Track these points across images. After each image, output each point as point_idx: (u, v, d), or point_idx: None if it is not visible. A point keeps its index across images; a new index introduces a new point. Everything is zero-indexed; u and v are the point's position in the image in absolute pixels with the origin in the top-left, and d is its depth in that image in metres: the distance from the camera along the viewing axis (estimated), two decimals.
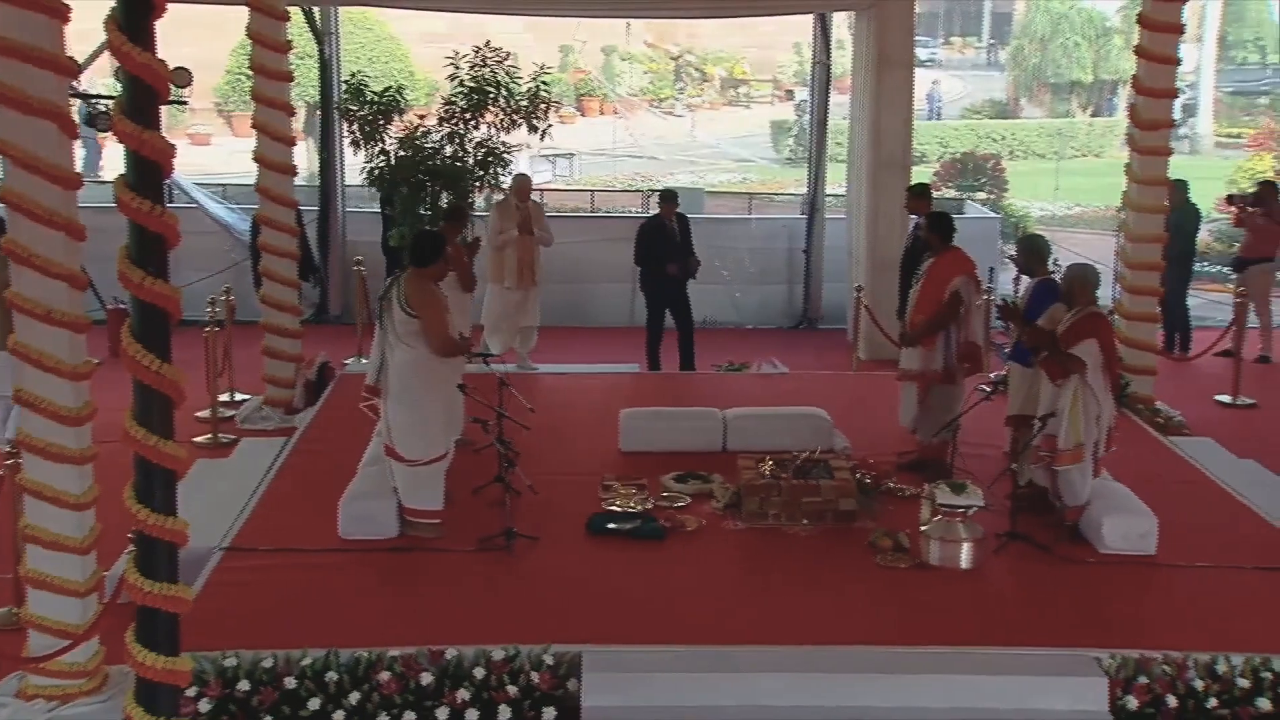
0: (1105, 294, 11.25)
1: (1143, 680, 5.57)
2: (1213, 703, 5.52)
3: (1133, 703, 5.52)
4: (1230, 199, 14.34)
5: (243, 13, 9.66)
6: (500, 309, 10.68)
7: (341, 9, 13.77)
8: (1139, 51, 9.60)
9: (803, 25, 16.06)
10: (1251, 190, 13.24)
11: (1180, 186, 11.66)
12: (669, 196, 11.02)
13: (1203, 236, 14.81)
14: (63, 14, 5.11)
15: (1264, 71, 32.10)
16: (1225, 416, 10.39)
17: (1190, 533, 7.18)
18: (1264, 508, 7.69)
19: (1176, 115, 10.87)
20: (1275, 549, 7.07)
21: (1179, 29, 9.48)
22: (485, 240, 10.52)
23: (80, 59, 6.93)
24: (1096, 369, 6.90)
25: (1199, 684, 5.55)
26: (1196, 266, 13.42)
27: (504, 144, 11.20)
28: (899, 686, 5.62)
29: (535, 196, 11.14)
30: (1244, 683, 5.57)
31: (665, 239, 10.79)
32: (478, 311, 10.35)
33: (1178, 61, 9.60)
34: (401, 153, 10.99)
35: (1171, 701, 5.51)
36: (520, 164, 11.61)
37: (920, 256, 8.76)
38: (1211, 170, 21.98)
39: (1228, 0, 30.02)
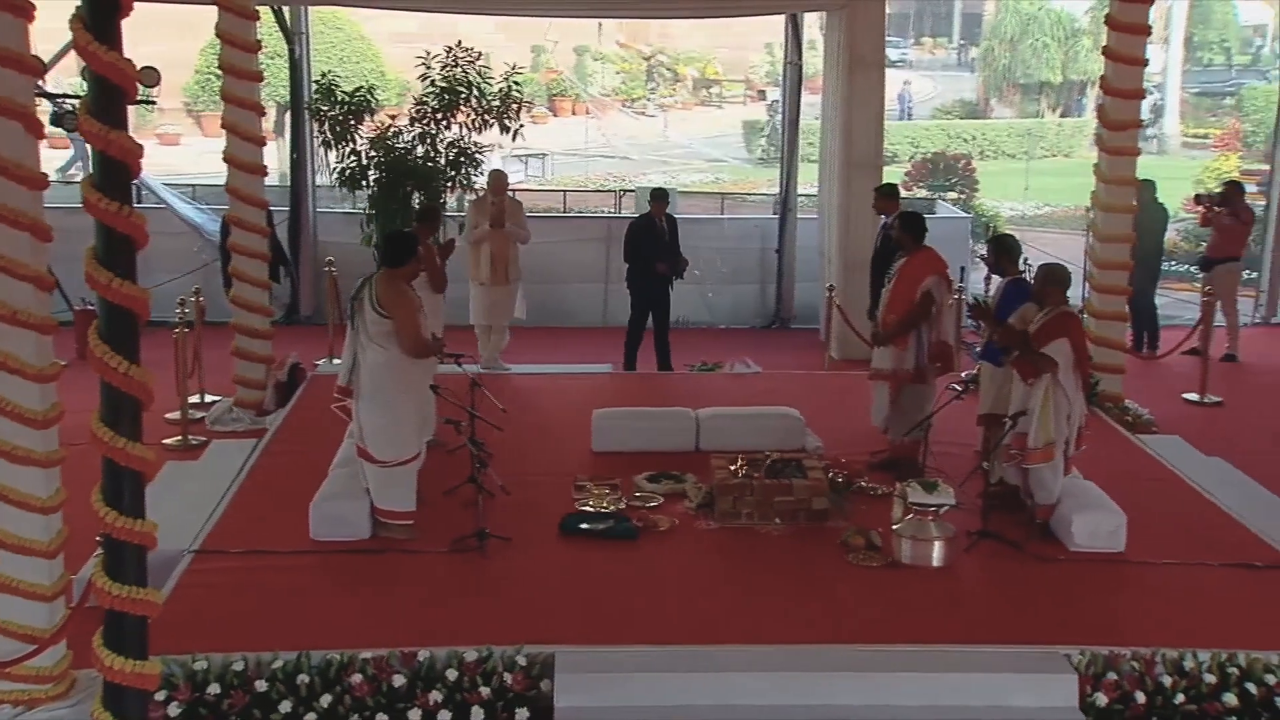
0: (1075, 293, 11.37)
1: (1112, 677, 5.62)
2: (1180, 698, 5.58)
3: (1102, 699, 5.57)
4: (1197, 199, 14.49)
5: (212, 12, 9.58)
6: (482, 307, 10.58)
7: (311, 8, 13.69)
8: (1107, 53, 9.69)
9: (774, 26, 16.07)
10: (1218, 190, 13.39)
11: (1148, 187, 11.78)
12: (660, 195, 11.02)
13: (1170, 236, 14.96)
14: (27, 12, 5.06)
15: (1229, 73, 32.42)
16: (1193, 414, 10.49)
17: (1158, 530, 7.25)
18: (1230, 505, 7.78)
19: (1146, 116, 10.98)
20: (1241, 546, 7.15)
21: (1146, 30, 9.58)
22: (461, 239, 10.48)
23: (45, 58, 6.86)
24: (1068, 368, 6.95)
25: (1167, 680, 5.60)
26: (1164, 266, 13.56)
27: (476, 144, 11.19)
28: (871, 685, 5.64)
29: (509, 195, 11.05)
30: (1210, 678, 5.62)
31: (655, 238, 10.78)
32: (458, 314, 10.33)
33: (1145, 62, 9.70)
34: (373, 153, 10.97)
35: (1140, 698, 5.56)
36: (493, 164, 11.56)
37: (890, 256, 8.81)
38: (1178, 170, 22.20)
39: (1193, 2, 30.31)
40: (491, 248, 10.44)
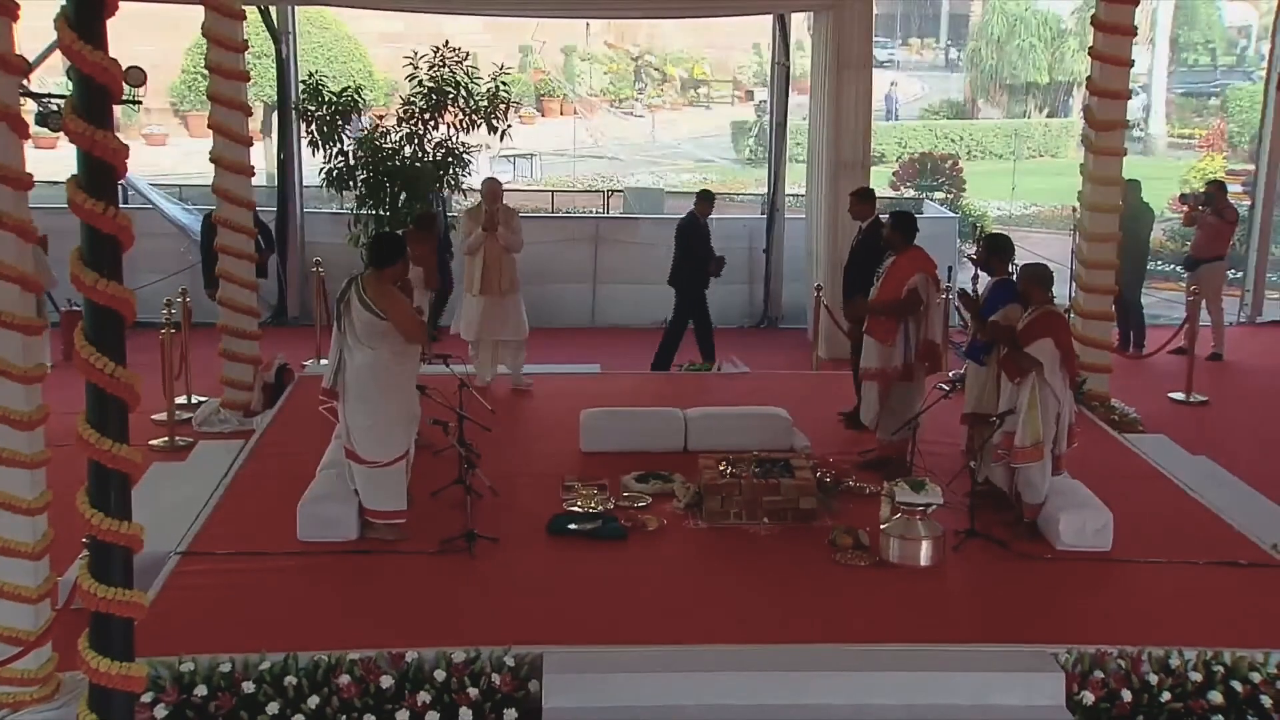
0: (1062, 292, 11.40)
1: (1098, 675, 5.64)
2: (1166, 696, 5.60)
3: (1089, 697, 5.58)
4: (1182, 198, 14.55)
5: (198, 11, 9.56)
6: (473, 320, 9.99)
7: (298, 8, 13.66)
8: (1093, 54, 9.73)
9: (762, 26, 16.13)
10: (1202, 190, 13.45)
11: (1133, 187, 11.83)
12: (707, 197, 11.08)
13: (1156, 236, 15.02)
14: (12, 11, 5.04)
15: (1214, 73, 32.58)
16: (1179, 413, 10.54)
17: (1144, 528, 7.27)
18: (1216, 503, 7.81)
19: (1136, 116, 11.04)
20: (1227, 544, 7.17)
21: (1131, 31, 9.62)
22: (456, 246, 10.37)
23: (30, 57, 6.83)
24: (1054, 367, 6.96)
25: (1153, 678, 5.62)
26: (1150, 265, 13.62)
27: (463, 145, 11.17)
28: (858, 684, 5.65)
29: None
30: (1196, 676, 5.65)
31: (703, 238, 10.89)
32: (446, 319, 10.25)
33: (1131, 63, 9.74)
34: (360, 153, 10.95)
35: (1126, 696, 5.58)
36: (480, 165, 11.51)
37: (867, 259, 8.85)
38: (1164, 170, 22.30)
39: (1179, 3, 30.44)
40: (485, 257, 9.87)
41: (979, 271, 9.16)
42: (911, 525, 6.82)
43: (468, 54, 11.20)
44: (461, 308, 10.24)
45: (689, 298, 11.02)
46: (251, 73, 9.98)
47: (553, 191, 19.68)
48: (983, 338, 7.56)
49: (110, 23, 4.25)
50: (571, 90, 30.11)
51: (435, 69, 10.94)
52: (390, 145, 11.01)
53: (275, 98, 13.99)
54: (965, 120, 30.11)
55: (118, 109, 4.44)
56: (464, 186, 11.42)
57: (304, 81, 11.59)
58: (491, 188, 10.18)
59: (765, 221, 13.86)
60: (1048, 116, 30.76)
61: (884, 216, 8.97)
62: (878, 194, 10.20)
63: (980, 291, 8.43)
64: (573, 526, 7.18)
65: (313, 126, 10.95)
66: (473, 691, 5.43)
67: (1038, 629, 6.11)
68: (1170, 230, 17.34)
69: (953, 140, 27.38)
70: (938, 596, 6.55)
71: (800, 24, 15.05)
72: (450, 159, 11.10)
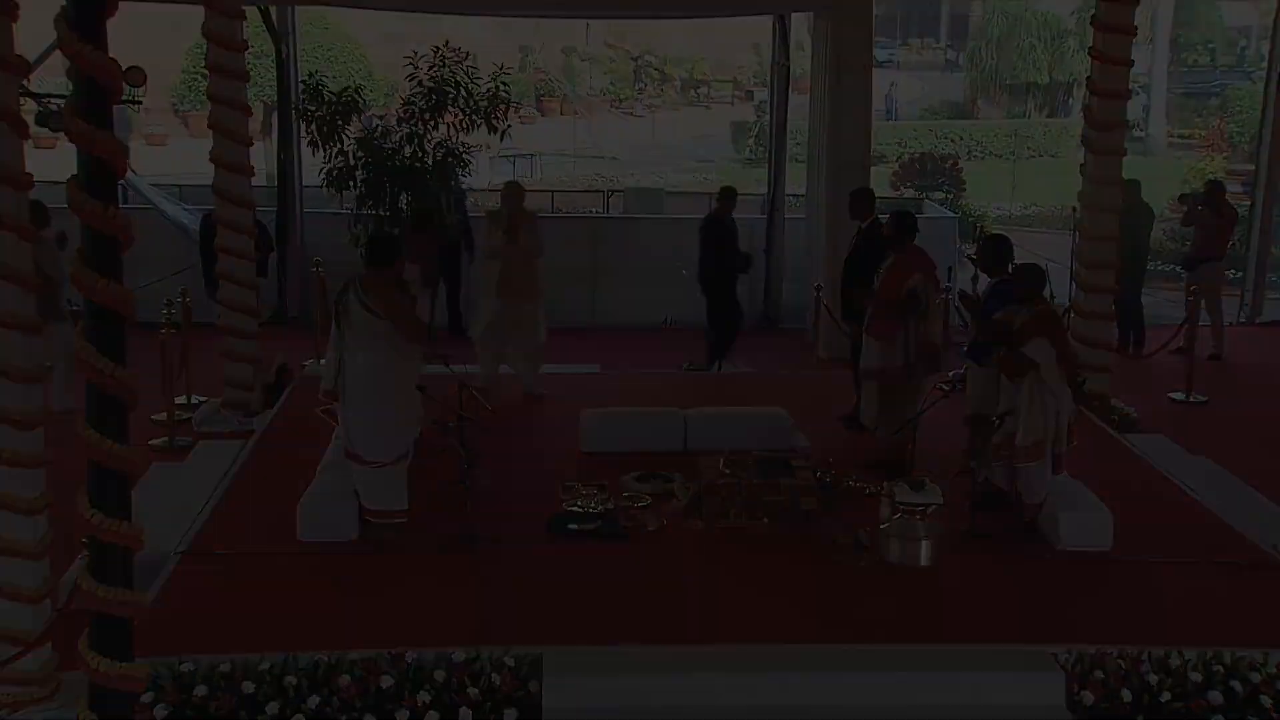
0: (1063, 293, 11.40)
1: (1098, 675, 5.63)
2: (1166, 696, 5.59)
3: (1089, 698, 5.58)
4: (1181, 198, 14.55)
5: (198, 11, 9.55)
6: (484, 324, 9.82)
7: (298, 8, 13.65)
8: (1093, 53, 9.73)
9: (762, 26, 16.13)
10: (1201, 191, 13.45)
11: (1133, 187, 11.82)
12: (728, 194, 11.10)
13: (1156, 235, 15.02)
14: (12, 11, 5.04)
15: (1214, 73, 32.60)
16: (1178, 413, 10.53)
17: (1144, 529, 7.27)
18: (1215, 504, 7.81)
19: (1136, 116, 11.03)
20: (1226, 544, 7.18)
21: (1131, 31, 9.62)
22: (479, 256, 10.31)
23: (30, 57, 6.82)
24: (1051, 366, 6.97)
25: (1153, 678, 5.62)
26: (1150, 265, 13.62)
27: (463, 144, 11.18)
28: (859, 684, 5.65)
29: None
30: (1196, 676, 5.64)
31: (725, 236, 10.93)
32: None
33: (1131, 63, 9.74)
34: (360, 153, 10.97)
35: (1126, 696, 5.57)
36: (481, 165, 11.51)
37: (867, 257, 8.85)
38: (1164, 170, 22.30)
39: (1179, 3, 30.45)
40: (504, 262, 9.61)
41: (979, 271, 9.16)
42: (911, 525, 6.82)
43: (468, 54, 11.22)
44: (479, 309, 10.13)
45: (719, 296, 11.01)
46: (251, 73, 9.97)
47: (553, 191, 19.68)
48: (982, 338, 7.56)
49: (110, 23, 4.25)
50: (571, 90, 30.11)
51: (435, 69, 10.95)
52: (390, 145, 11.02)
53: (275, 98, 13.99)
54: (965, 120, 30.13)
55: (118, 109, 4.43)
56: (464, 186, 11.40)
57: (304, 81, 11.59)
58: (513, 191, 9.91)
59: (765, 221, 13.86)
60: (1048, 116, 30.78)
61: (884, 216, 8.97)
62: (878, 194, 10.19)
63: (980, 291, 8.43)
64: (573, 526, 7.18)
65: (313, 126, 10.96)
66: (473, 691, 5.42)
67: (1038, 629, 6.11)
68: (1170, 230, 17.34)
69: (953, 140, 27.40)
70: (938, 596, 6.55)
71: (800, 24, 15.07)
72: (450, 159, 11.11)
